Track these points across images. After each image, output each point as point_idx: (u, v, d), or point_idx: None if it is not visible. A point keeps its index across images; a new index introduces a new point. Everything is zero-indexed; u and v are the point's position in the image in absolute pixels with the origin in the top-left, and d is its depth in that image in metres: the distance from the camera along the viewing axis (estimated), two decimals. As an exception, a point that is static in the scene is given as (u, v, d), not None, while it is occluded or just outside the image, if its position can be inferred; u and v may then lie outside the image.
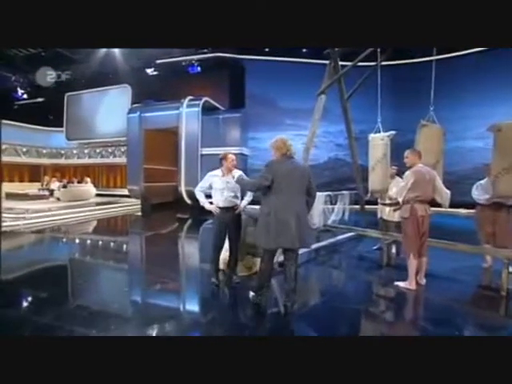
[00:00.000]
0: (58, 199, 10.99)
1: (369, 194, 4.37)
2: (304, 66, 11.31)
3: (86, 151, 16.12)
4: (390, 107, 10.32)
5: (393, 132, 4.20)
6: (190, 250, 5.75)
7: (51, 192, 11.79)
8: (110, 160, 15.55)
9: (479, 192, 3.83)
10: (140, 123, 11.39)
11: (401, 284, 3.17)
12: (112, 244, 5.91)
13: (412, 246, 3.08)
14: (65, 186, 11.62)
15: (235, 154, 3.16)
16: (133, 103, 13.42)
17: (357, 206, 6.10)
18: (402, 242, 3.27)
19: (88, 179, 13.27)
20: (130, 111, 12.04)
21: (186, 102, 10.90)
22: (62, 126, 16.09)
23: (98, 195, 12.81)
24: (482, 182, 3.84)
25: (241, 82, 12.19)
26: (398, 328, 2.54)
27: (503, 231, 3.62)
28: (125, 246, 5.94)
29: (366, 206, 5.89)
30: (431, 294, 3.11)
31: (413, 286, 3.10)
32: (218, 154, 3.32)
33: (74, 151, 16.42)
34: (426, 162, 3.45)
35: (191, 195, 10.84)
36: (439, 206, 3.24)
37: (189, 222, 9.23)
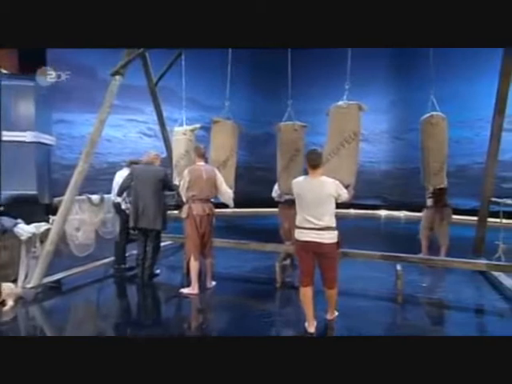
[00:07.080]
0: None
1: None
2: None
3: None
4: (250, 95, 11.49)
5: (197, 125, 4.87)
6: None
7: None
8: None
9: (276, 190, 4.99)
10: None
11: (185, 291, 3.75)
12: None
13: (192, 248, 3.70)
14: None
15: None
16: None
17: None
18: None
19: None
20: None
21: None
22: None
23: None
24: None
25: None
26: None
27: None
28: None
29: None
30: (214, 296, 3.87)
31: (195, 291, 3.72)
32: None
33: None
34: (216, 159, 4.27)
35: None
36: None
37: None
